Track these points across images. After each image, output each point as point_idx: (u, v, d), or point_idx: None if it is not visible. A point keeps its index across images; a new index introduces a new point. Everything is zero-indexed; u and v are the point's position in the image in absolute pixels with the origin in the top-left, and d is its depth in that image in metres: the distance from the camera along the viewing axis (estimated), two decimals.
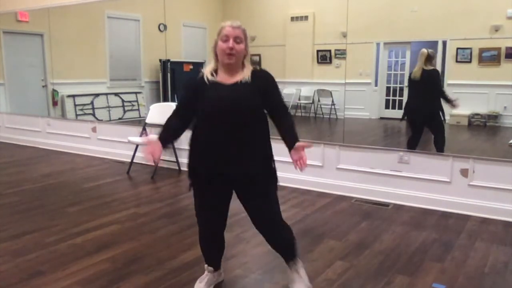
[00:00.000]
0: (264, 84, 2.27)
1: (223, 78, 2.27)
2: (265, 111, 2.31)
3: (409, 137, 5.02)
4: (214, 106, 2.22)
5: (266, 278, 2.72)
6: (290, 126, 2.27)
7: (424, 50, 4.79)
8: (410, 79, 4.97)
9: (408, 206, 4.14)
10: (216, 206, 2.38)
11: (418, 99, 4.93)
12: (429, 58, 4.75)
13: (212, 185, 2.30)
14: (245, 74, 2.25)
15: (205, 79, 2.25)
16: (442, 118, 4.85)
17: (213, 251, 2.55)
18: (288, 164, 2.28)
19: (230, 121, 2.19)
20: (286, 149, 2.21)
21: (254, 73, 2.27)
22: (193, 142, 2.31)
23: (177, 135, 2.37)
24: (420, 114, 4.95)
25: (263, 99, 2.25)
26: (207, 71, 2.28)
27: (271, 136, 2.34)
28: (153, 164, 2.16)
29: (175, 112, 2.34)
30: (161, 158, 2.25)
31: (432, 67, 4.81)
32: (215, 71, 2.29)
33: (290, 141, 2.19)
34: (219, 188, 2.32)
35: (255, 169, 2.26)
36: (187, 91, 2.35)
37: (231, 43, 2.18)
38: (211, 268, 2.56)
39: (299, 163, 2.14)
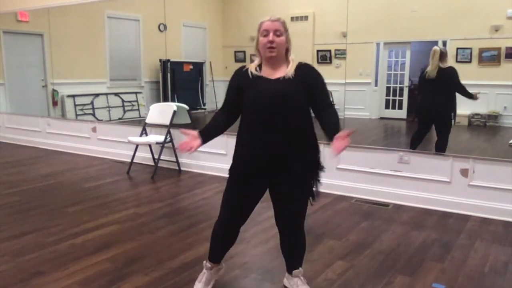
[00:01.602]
0: (308, 80, 2.24)
1: (267, 73, 2.26)
2: (310, 109, 2.29)
3: (413, 133, 4.96)
4: (258, 101, 2.22)
5: (266, 278, 2.72)
6: (330, 120, 2.20)
7: (437, 48, 4.66)
8: (423, 78, 4.80)
9: (408, 206, 4.14)
10: (247, 201, 2.36)
11: (431, 97, 4.78)
12: (443, 56, 4.63)
13: (250, 180, 2.29)
14: (289, 70, 2.24)
15: (249, 73, 2.26)
16: (452, 119, 4.79)
17: (226, 245, 2.52)
18: None
19: (273, 117, 2.19)
20: None
21: (299, 68, 2.25)
22: (238, 137, 2.32)
23: (221, 130, 2.40)
24: (432, 112, 4.83)
25: (308, 96, 2.22)
26: (251, 66, 2.29)
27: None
28: (187, 152, 2.25)
29: (221, 107, 2.38)
30: (197, 149, 2.28)
31: (448, 65, 4.69)
32: (259, 66, 2.30)
33: (329, 134, 2.12)
34: (255, 184, 2.31)
35: (294, 166, 2.25)
36: (232, 86, 2.33)
37: (271, 36, 2.19)
38: (208, 265, 2.54)
39: (334, 148, 2.04)
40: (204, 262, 2.57)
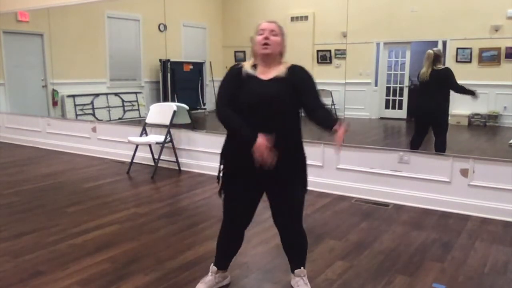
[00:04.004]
0: (299, 81, 2.26)
1: (261, 72, 2.29)
2: (300, 109, 2.31)
3: (412, 136, 4.97)
4: (250, 101, 2.24)
5: (266, 278, 2.72)
6: (325, 115, 2.22)
7: (430, 51, 4.72)
8: (418, 80, 4.89)
9: (408, 206, 4.14)
10: (247, 201, 2.38)
11: (425, 99, 4.84)
12: (437, 58, 4.69)
13: (246, 180, 2.32)
14: (280, 69, 2.27)
15: (243, 72, 2.29)
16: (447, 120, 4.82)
17: (230, 249, 2.55)
18: None
19: (264, 117, 2.20)
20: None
21: (291, 68, 2.29)
22: (228, 136, 2.35)
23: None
24: (427, 113, 4.86)
25: (298, 97, 2.24)
26: (246, 65, 2.33)
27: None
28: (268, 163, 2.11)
29: (224, 102, 2.28)
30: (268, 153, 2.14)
31: (443, 66, 4.75)
32: (254, 66, 2.33)
33: (328, 124, 2.13)
34: (251, 183, 2.32)
35: (285, 167, 2.24)
36: (230, 83, 2.33)
37: (267, 33, 2.24)
38: (214, 268, 2.56)
39: (337, 138, 2.06)
40: (211, 265, 2.58)
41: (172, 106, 5.55)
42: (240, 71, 2.31)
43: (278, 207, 2.38)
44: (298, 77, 2.28)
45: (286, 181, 2.31)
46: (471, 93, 4.77)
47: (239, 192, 2.36)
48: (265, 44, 2.24)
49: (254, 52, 2.32)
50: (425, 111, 4.88)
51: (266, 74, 2.28)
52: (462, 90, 4.73)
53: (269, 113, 2.21)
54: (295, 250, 2.50)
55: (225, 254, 2.56)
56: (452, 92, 4.76)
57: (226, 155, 2.38)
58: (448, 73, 4.74)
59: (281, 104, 2.23)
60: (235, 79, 2.31)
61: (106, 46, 7.96)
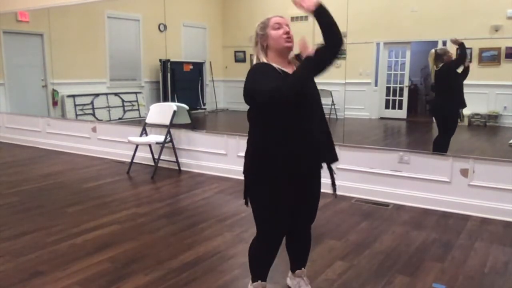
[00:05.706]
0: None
1: (288, 69, 2.12)
2: None
3: (436, 137, 4.88)
4: (303, 99, 2.06)
5: None
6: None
7: (432, 51, 4.77)
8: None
9: (408, 206, 4.14)
10: (291, 205, 2.22)
11: (434, 98, 5.05)
12: (438, 57, 4.71)
13: (288, 182, 2.13)
14: (298, 65, 2.16)
15: (277, 69, 2.08)
16: (455, 119, 4.81)
17: (273, 258, 2.32)
18: None
19: (310, 111, 2.13)
20: None
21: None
22: (270, 139, 2.06)
23: None
24: (436, 112, 4.96)
25: None
26: (272, 61, 2.13)
27: None
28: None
29: (277, 85, 1.98)
30: None
31: (441, 63, 4.71)
32: None
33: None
34: (295, 186, 2.17)
35: (319, 164, 2.22)
36: (271, 72, 2.07)
37: (287, 27, 2.16)
38: (264, 283, 2.37)
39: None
40: (258, 282, 2.35)
41: (172, 106, 5.55)
42: (273, 68, 2.09)
43: (304, 204, 2.29)
44: None
45: (319, 178, 2.29)
46: (464, 64, 4.81)
47: (283, 197, 2.14)
48: (288, 37, 2.15)
49: (265, 51, 2.15)
50: (435, 110, 5.03)
51: (291, 69, 2.13)
52: (463, 76, 4.76)
53: (317, 107, 2.17)
54: (303, 250, 2.49)
55: (268, 266, 2.35)
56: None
57: (274, 158, 2.06)
58: (444, 71, 4.69)
59: (319, 97, 2.21)
60: (274, 73, 2.06)
61: (106, 46, 7.96)
